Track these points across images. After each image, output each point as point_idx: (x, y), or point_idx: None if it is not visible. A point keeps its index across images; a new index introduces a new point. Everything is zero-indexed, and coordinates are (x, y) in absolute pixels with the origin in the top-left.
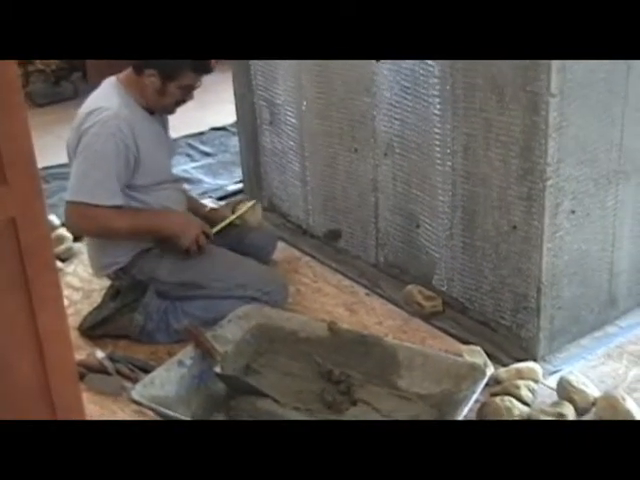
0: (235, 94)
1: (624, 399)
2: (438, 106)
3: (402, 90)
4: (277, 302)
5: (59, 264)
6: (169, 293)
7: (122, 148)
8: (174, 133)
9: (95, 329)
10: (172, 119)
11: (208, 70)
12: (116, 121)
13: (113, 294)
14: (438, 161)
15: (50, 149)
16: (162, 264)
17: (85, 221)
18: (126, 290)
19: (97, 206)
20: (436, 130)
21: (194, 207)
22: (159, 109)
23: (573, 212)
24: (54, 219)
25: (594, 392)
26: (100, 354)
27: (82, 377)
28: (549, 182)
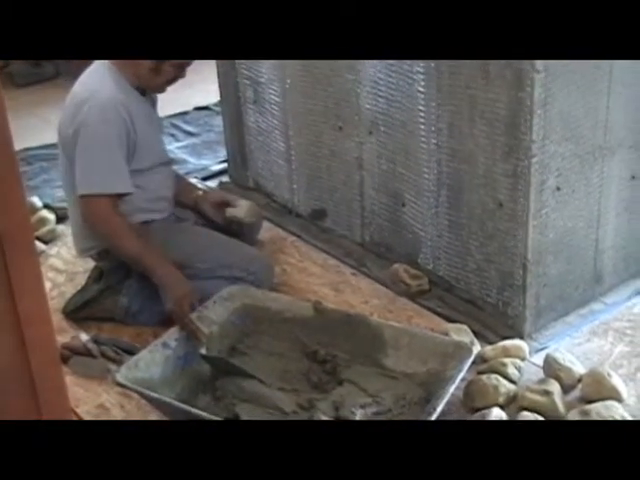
0: (218, 73)
1: (610, 375)
2: (422, 83)
3: (386, 67)
4: (263, 282)
5: (42, 246)
6: None
7: (124, 133)
8: (160, 113)
9: (79, 311)
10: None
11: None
12: (114, 106)
13: (97, 276)
14: (423, 139)
15: (32, 130)
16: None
17: (103, 226)
18: (109, 272)
19: (108, 196)
20: (421, 107)
21: (185, 189)
22: (152, 88)
23: (558, 189)
24: (36, 201)
25: (580, 369)
26: (84, 337)
27: (66, 360)
28: (534, 159)
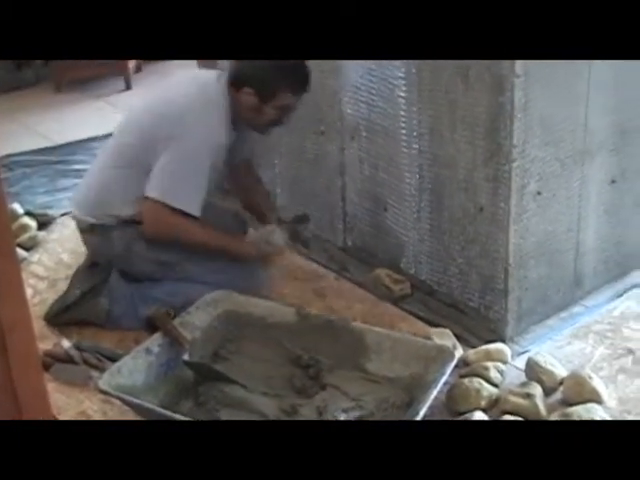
0: None
1: (590, 378)
2: (404, 88)
3: (368, 73)
4: (248, 289)
5: (23, 253)
6: (141, 271)
7: (218, 160)
8: None
9: (60, 317)
10: (135, 99)
11: (307, 90)
12: (221, 131)
13: (78, 280)
14: (404, 144)
15: (12, 136)
16: (141, 239)
17: (165, 228)
18: (82, 272)
19: (175, 210)
20: (402, 113)
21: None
22: (253, 127)
23: (539, 193)
24: (17, 208)
25: (561, 372)
26: (66, 343)
27: (48, 367)
28: (515, 163)
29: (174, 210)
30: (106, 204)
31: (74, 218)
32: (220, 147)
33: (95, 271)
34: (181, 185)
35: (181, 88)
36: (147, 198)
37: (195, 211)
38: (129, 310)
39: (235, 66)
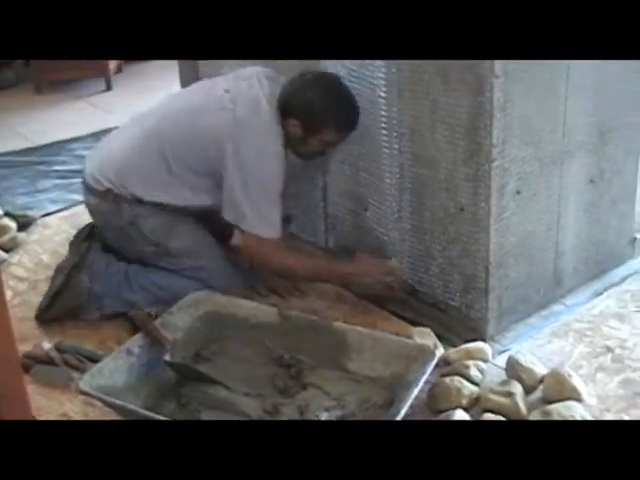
0: (181, 81)
1: (570, 376)
2: (384, 89)
3: (348, 74)
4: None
5: (3, 255)
6: (139, 250)
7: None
8: (120, 119)
9: (50, 310)
10: (117, 105)
11: (353, 128)
12: (282, 154)
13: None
14: (385, 144)
15: None
16: (151, 217)
17: (263, 263)
18: (65, 261)
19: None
20: (382, 113)
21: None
22: (296, 153)
23: (519, 193)
24: None
25: (541, 370)
26: (47, 345)
27: (28, 369)
28: (495, 163)
29: (278, 244)
30: (128, 179)
31: (89, 178)
32: (283, 170)
33: (76, 252)
34: (272, 216)
35: (237, 102)
36: (246, 232)
37: (279, 234)
38: (111, 290)
39: (284, 94)
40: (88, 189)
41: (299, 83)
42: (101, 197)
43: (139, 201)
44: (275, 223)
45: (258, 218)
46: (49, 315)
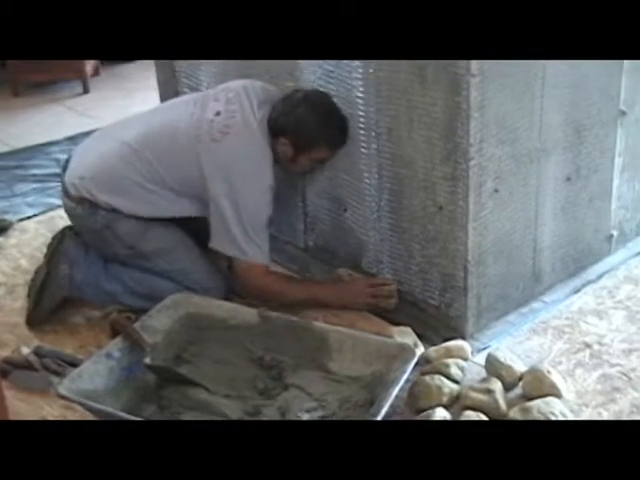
0: (158, 81)
1: (549, 372)
2: (361, 89)
3: (325, 74)
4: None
5: None
6: (114, 253)
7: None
8: (98, 123)
9: (38, 310)
10: (95, 108)
11: (342, 145)
12: (271, 174)
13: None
14: (363, 144)
15: None
16: (126, 220)
17: (257, 291)
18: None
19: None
20: (360, 113)
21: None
22: (282, 169)
23: (496, 191)
24: None
25: (521, 367)
26: (26, 350)
27: (7, 374)
28: (472, 162)
29: (269, 270)
30: (106, 192)
31: (68, 183)
32: (272, 190)
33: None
34: (260, 242)
35: (228, 131)
36: (238, 260)
37: (268, 260)
38: (91, 279)
39: (274, 113)
40: (65, 192)
41: (289, 102)
42: (77, 202)
43: (115, 210)
44: (265, 249)
45: (249, 244)
46: (39, 314)
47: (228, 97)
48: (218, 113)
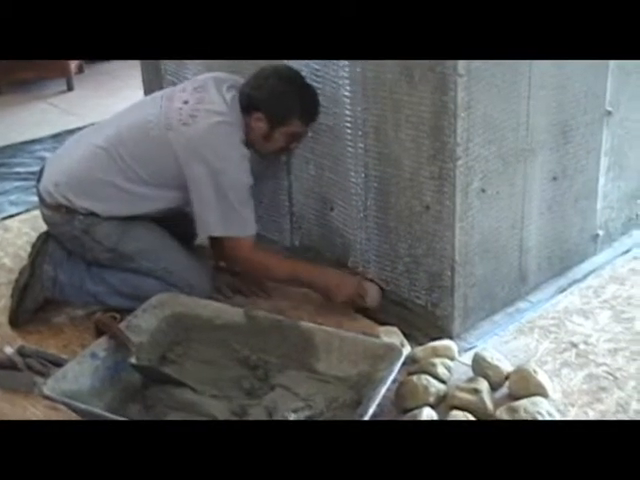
0: (143, 80)
1: (535, 372)
2: (348, 88)
3: (312, 73)
4: (199, 296)
5: None
6: (95, 257)
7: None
8: (82, 120)
9: (19, 310)
10: (79, 106)
11: (315, 118)
12: (246, 154)
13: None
14: (350, 143)
15: None
16: (104, 223)
17: (246, 264)
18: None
19: (242, 239)
20: (347, 112)
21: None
22: (260, 152)
23: (483, 191)
24: None
25: (507, 367)
26: (9, 349)
27: None
28: (459, 162)
29: (254, 244)
30: (82, 196)
31: (43, 191)
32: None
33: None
34: (243, 216)
35: (196, 114)
36: (226, 238)
37: (254, 231)
38: (75, 280)
39: (246, 89)
40: (42, 201)
41: (261, 76)
42: (54, 210)
43: (92, 214)
44: (251, 220)
45: (235, 220)
46: (21, 314)
47: (194, 87)
48: (186, 102)
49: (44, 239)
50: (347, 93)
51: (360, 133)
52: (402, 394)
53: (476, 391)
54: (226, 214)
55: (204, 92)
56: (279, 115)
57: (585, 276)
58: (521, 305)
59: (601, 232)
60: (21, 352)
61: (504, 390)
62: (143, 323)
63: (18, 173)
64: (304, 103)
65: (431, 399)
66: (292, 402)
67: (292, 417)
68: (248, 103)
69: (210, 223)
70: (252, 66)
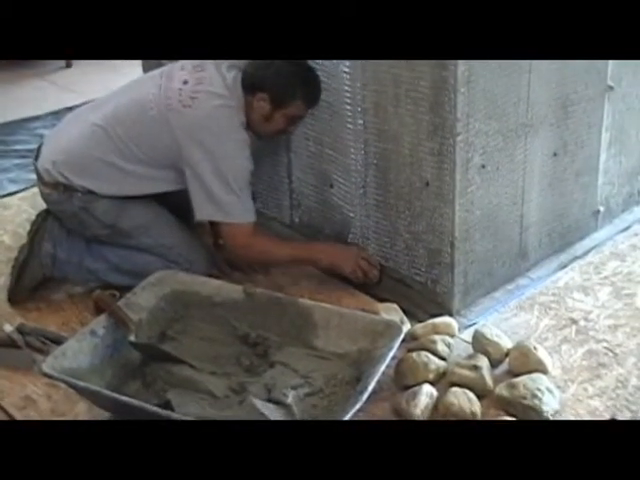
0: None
1: (536, 349)
2: (347, 63)
3: None
4: (197, 272)
5: None
6: (94, 234)
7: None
8: (81, 97)
9: (17, 287)
10: (78, 82)
11: (317, 102)
12: (247, 140)
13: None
14: (349, 119)
15: None
16: (103, 200)
17: (245, 250)
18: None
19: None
20: (346, 88)
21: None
22: (259, 134)
23: (483, 167)
24: None
25: (507, 343)
26: (8, 327)
27: None
28: (459, 137)
29: (253, 229)
30: (80, 174)
31: (41, 169)
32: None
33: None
34: (243, 203)
35: (196, 95)
36: (223, 224)
37: (254, 218)
38: (74, 257)
39: (250, 69)
40: (40, 179)
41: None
42: (52, 188)
43: (90, 192)
44: (250, 207)
45: (234, 204)
46: (19, 291)
47: (194, 65)
48: (185, 82)
49: (43, 217)
50: (346, 69)
51: (359, 109)
52: (402, 371)
53: (476, 368)
54: (225, 200)
55: (203, 71)
56: (283, 96)
57: (585, 252)
58: (521, 281)
59: (602, 208)
60: (20, 330)
61: (504, 367)
62: (142, 301)
63: (17, 151)
64: (308, 86)
65: (431, 376)
66: (291, 379)
67: (291, 394)
68: (252, 83)
69: (209, 209)
70: None
